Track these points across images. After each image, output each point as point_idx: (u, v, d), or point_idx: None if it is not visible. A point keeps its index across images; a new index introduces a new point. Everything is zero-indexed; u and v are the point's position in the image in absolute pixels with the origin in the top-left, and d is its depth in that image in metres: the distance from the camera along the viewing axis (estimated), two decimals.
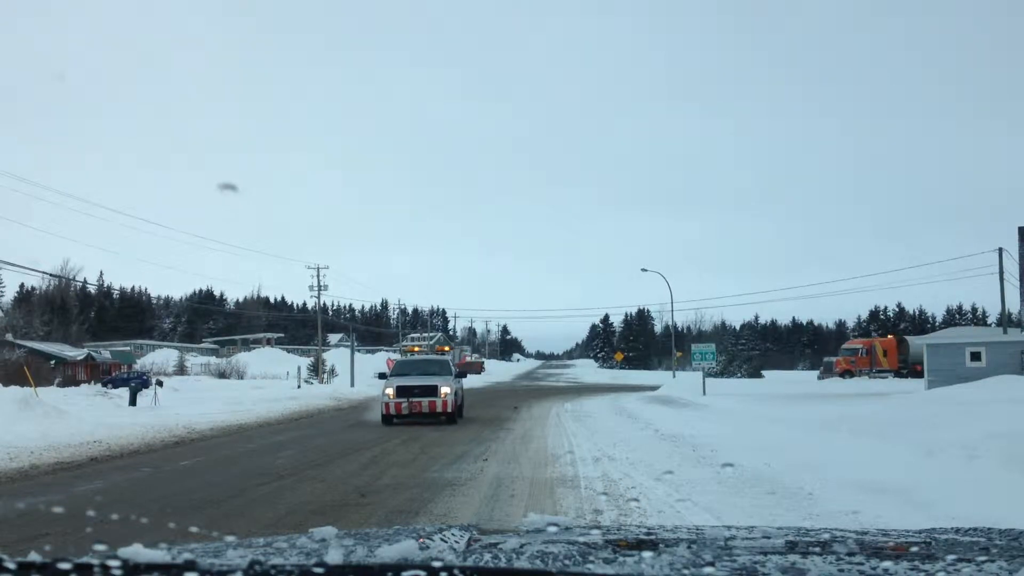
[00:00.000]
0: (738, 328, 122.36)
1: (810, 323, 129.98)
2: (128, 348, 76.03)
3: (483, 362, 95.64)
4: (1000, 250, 42.94)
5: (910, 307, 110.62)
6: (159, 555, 1.22)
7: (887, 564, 1.42)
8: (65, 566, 1.13)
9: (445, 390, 20.58)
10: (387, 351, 67.78)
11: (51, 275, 72.43)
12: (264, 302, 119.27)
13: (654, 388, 41.57)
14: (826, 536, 1.90)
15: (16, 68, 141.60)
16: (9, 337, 53.79)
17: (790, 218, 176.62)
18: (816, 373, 63.57)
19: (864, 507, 7.78)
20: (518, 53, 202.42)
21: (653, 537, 1.90)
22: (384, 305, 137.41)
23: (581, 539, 1.76)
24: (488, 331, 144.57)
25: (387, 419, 20.46)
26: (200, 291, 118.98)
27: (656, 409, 25.81)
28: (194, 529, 1.98)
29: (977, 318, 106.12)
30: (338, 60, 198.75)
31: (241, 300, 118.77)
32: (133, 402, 26.74)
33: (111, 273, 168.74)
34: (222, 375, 58.19)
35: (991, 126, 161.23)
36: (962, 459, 10.05)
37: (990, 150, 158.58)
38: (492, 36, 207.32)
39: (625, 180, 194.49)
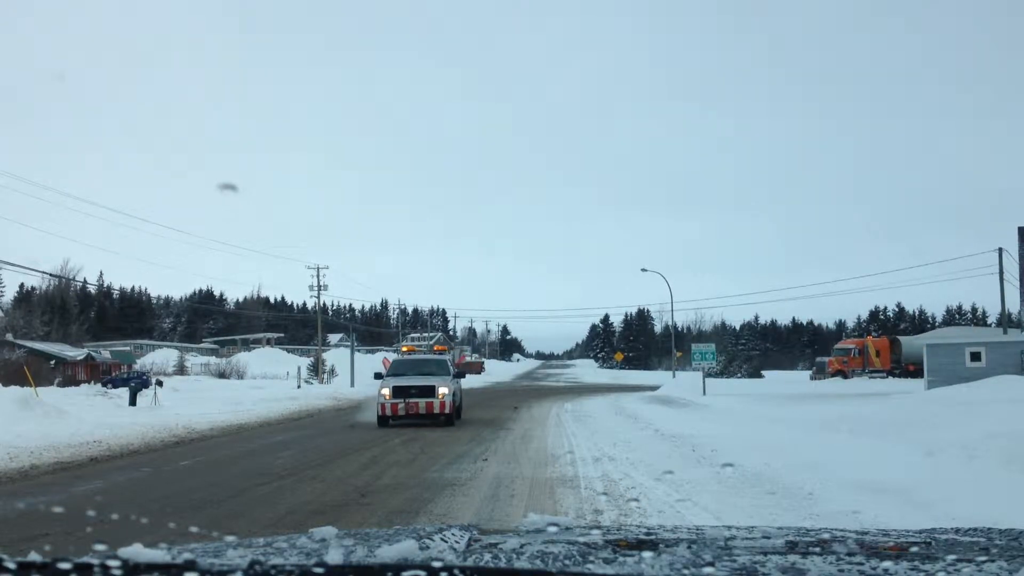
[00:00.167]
0: (738, 328, 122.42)
1: (810, 323, 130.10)
2: (128, 348, 76.06)
3: (483, 362, 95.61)
4: (1000, 250, 42.98)
5: (910, 307, 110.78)
6: (159, 555, 1.22)
7: (887, 564, 1.42)
8: (65, 566, 1.12)
9: (443, 391, 20.06)
10: (387, 351, 67.81)
11: (51, 275, 72.46)
12: (264, 302, 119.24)
13: (654, 388, 41.59)
14: (826, 536, 1.90)
15: (16, 68, 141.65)
16: (9, 337, 53.80)
17: (790, 218, 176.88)
18: (808, 374, 63.51)
19: (864, 507, 7.78)
20: (518, 53, 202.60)
21: (653, 537, 1.90)
22: (384, 305, 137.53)
23: (581, 539, 1.76)
24: (488, 331, 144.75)
25: (383, 420, 19.93)
26: (200, 291, 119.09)
27: (656, 409, 25.81)
28: (194, 529, 1.98)
29: (977, 318, 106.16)
30: (338, 60, 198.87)
31: (241, 300, 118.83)
32: (133, 402, 26.73)
33: (111, 273, 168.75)
34: (222, 375, 58.21)
35: (991, 126, 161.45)
36: (962, 459, 10.05)
37: (990, 150, 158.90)
38: (492, 36, 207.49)
39: (625, 180, 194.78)
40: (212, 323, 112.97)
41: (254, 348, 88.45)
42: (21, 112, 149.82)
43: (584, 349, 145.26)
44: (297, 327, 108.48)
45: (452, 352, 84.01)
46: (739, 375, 65.96)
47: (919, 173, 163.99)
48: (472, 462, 12.86)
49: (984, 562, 1.43)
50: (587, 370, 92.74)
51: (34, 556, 1.19)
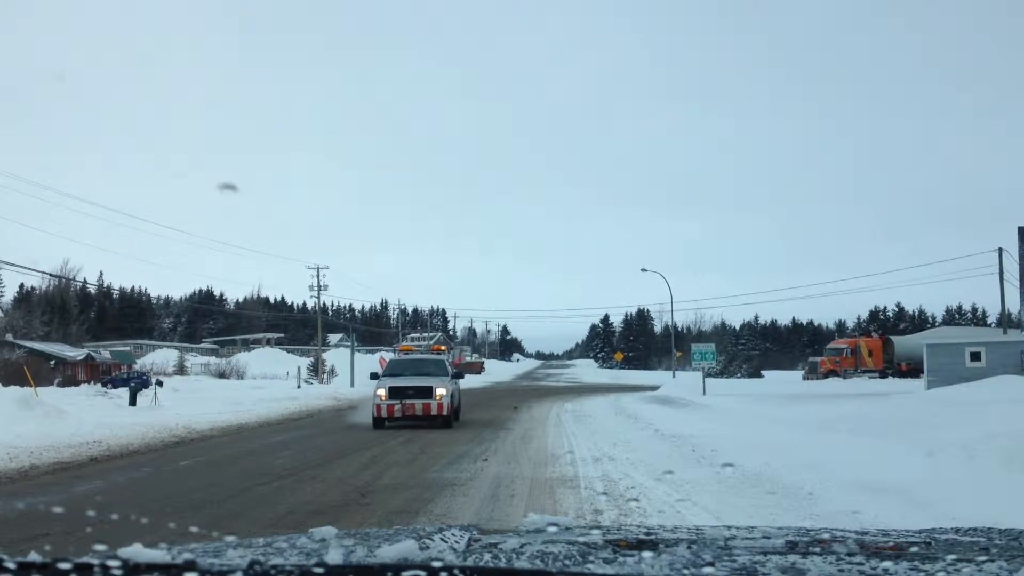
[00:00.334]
0: (738, 328, 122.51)
1: (810, 323, 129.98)
2: (128, 348, 76.05)
3: (483, 362, 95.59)
4: (1000, 250, 42.99)
5: (910, 307, 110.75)
6: (159, 555, 1.22)
7: (887, 564, 1.42)
8: (65, 566, 1.13)
9: (440, 391, 19.52)
10: (387, 351, 67.79)
11: (51, 275, 72.52)
12: (264, 302, 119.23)
13: (654, 388, 41.59)
14: (826, 536, 1.90)
15: (16, 68, 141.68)
16: (9, 337, 53.82)
17: (790, 218, 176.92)
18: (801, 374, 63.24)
19: (864, 507, 7.78)
20: (518, 53, 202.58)
21: (653, 537, 1.90)
22: (384, 305, 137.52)
23: (581, 539, 1.76)
24: (488, 331, 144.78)
25: (378, 422, 19.41)
26: (200, 291, 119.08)
27: (656, 409, 25.82)
28: (194, 529, 1.98)
29: (977, 318, 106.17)
30: (338, 60, 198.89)
31: (241, 300, 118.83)
32: (133, 402, 26.73)
33: (111, 273, 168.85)
34: (222, 375, 58.21)
35: (991, 126, 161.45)
36: (962, 459, 10.05)
37: (990, 150, 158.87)
38: (492, 36, 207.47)
39: (625, 180, 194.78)
40: (212, 323, 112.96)
41: (254, 348, 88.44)
42: (21, 112, 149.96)
43: (584, 349, 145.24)
44: (297, 327, 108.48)
45: (452, 352, 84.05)
46: (739, 375, 65.92)
47: (919, 173, 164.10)
48: (472, 462, 12.85)
49: (984, 562, 1.43)
50: (587, 370, 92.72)
51: (34, 556, 1.19)
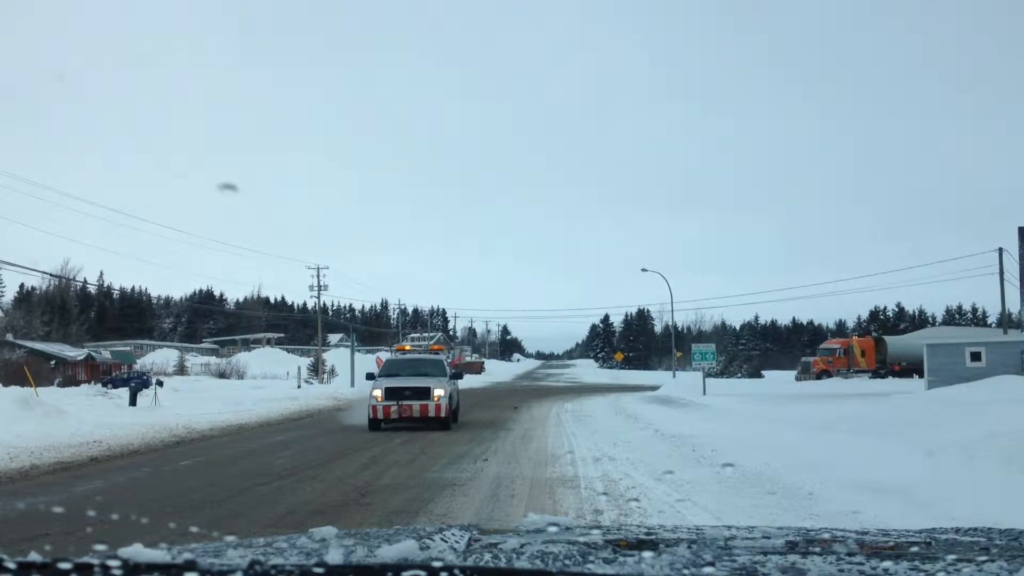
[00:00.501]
0: (738, 328, 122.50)
1: (810, 323, 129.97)
2: (128, 348, 76.05)
3: (483, 362, 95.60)
4: (1000, 250, 42.99)
5: (910, 307, 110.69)
6: (159, 555, 1.22)
7: (887, 564, 1.42)
8: (65, 566, 1.13)
9: (438, 392, 19.02)
10: (387, 351, 67.91)
11: (51, 275, 72.49)
12: (264, 302, 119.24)
13: (654, 388, 41.59)
14: (826, 536, 1.90)
15: (16, 68, 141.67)
16: (9, 337, 53.84)
17: (790, 218, 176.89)
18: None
19: (864, 507, 7.78)
20: (518, 53, 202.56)
21: (653, 537, 1.90)
22: (384, 305, 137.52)
23: (581, 539, 1.76)
24: (488, 331, 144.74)
25: (374, 424, 18.89)
26: (200, 291, 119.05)
27: (656, 409, 25.82)
28: (194, 529, 1.98)
29: (977, 318, 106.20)
30: (338, 60, 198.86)
31: (241, 300, 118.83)
32: (133, 402, 26.74)
33: (111, 273, 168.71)
34: (222, 375, 58.23)
35: (991, 126, 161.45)
36: (962, 459, 10.05)
37: (990, 150, 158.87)
38: (492, 36, 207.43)
39: (625, 180, 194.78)
40: (212, 323, 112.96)
41: (254, 348, 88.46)
42: (21, 112, 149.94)
43: (584, 349, 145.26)
44: (297, 327, 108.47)
45: (452, 352, 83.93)
46: (739, 375, 65.98)
47: (919, 173, 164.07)
48: (472, 462, 12.86)
49: (984, 562, 1.43)
50: (587, 370, 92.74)
51: (34, 556, 1.19)
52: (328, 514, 8.36)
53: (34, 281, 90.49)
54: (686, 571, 1.39)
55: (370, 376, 21.10)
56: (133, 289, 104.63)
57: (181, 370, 62.51)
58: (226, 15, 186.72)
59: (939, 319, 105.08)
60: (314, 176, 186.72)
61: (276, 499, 9.61)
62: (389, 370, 20.92)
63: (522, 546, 1.66)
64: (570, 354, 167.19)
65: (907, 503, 8.05)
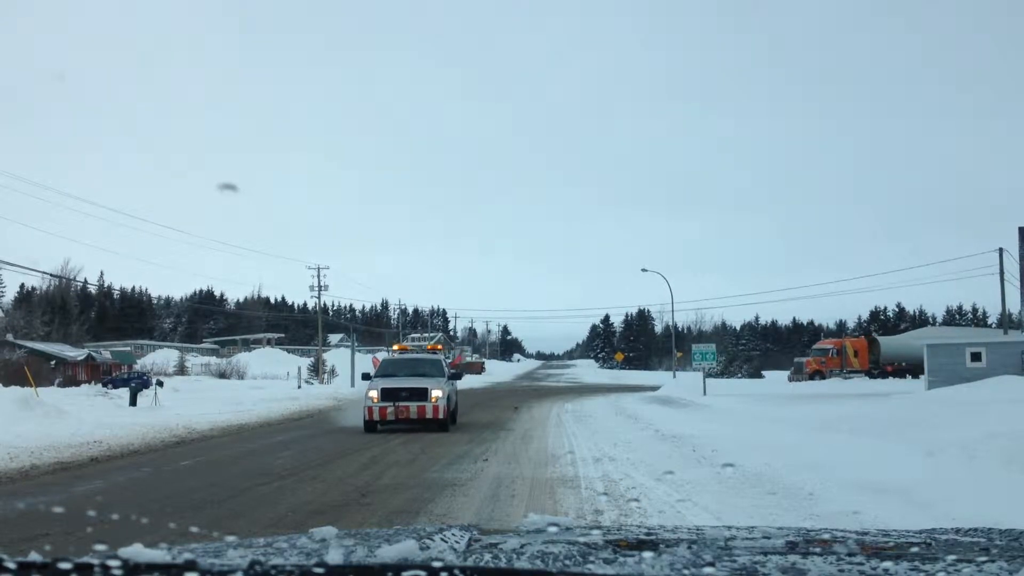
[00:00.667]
0: (738, 328, 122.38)
1: (810, 323, 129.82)
2: (128, 348, 76.04)
3: (483, 362, 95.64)
4: (1000, 250, 42.99)
5: (911, 307, 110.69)
6: (159, 555, 1.22)
7: (887, 564, 1.42)
8: (65, 566, 1.13)
9: (436, 393, 18.45)
10: (386, 351, 67.92)
11: (51, 275, 72.51)
12: (264, 302, 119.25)
13: (654, 388, 41.59)
14: (826, 536, 1.90)
15: (16, 68, 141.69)
16: (9, 337, 53.85)
17: (790, 218, 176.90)
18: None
19: (864, 507, 7.78)
20: (518, 53, 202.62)
21: (653, 537, 1.90)
22: (384, 305, 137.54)
23: (581, 539, 1.76)
24: (488, 331, 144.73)
25: (370, 425, 18.34)
26: (200, 291, 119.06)
27: (656, 409, 25.82)
28: (194, 529, 1.98)
29: (978, 318, 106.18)
30: (338, 60, 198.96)
31: (241, 300, 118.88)
32: (133, 402, 26.75)
33: (111, 273, 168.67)
34: (222, 375, 58.25)
35: (991, 126, 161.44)
36: (962, 459, 10.05)
37: (990, 150, 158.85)
38: (492, 36, 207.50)
39: (625, 180, 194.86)
40: (212, 323, 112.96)
41: (254, 348, 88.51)
42: (21, 112, 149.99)
43: (584, 349, 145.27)
44: (297, 327, 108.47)
45: (452, 351, 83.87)
46: (739, 375, 65.96)
47: (919, 173, 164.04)
48: (472, 462, 12.85)
49: (984, 562, 1.43)
50: (587, 370, 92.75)
51: (34, 556, 1.19)
52: (328, 514, 8.36)
53: (34, 281, 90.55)
54: (686, 571, 1.39)
55: (366, 376, 20.60)
56: (133, 289, 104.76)
57: (181, 370, 62.54)
58: (226, 15, 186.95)
59: (939, 319, 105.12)
60: (314, 176, 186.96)
61: (276, 499, 9.61)
62: (386, 370, 20.38)
63: (522, 546, 1.66)
64: (570, 354, 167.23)
65: (907, 503, 8.05)
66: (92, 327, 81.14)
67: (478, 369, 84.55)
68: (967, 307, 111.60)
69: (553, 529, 1.88)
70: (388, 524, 7.50)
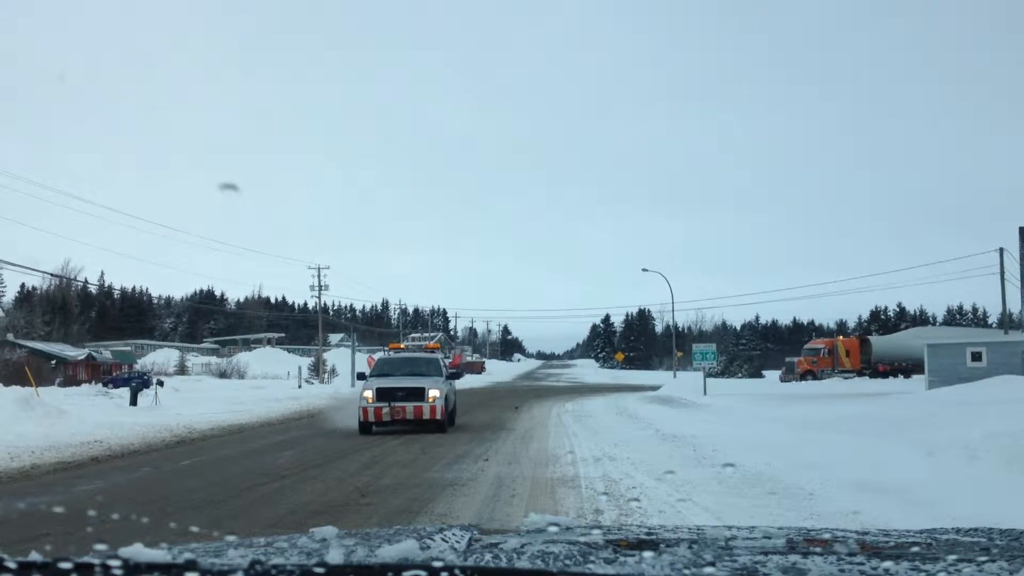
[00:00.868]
0: (739, 328, 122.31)
1: (811, 323, 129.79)
2: (129, 348, 76.08)
3: (484, 362, 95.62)
4: (1001, 250, 43.00)
5: (911, 307, 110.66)
6: (160, 555, 1.22)
7: (888, 564, 1.42)
8: (66, 566, 1.13)
9: (433, 393, 17.87)
10: (383, 351, 67.88)
11: (52, 275, 72.58)
12: (265, 302, 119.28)
13: (655, 388, 41.57)
14: (827, 536, 1.90)
15: (16, 68, 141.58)
16: (10, 337, 53.88)
17: (790, 218, 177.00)
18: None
19: (865, 507, 7.77)
20: (518, 53, 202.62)
21: (654, 537, 1.90)
22: (385, 305, 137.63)
23: (582, 539, 1.76)
24: (489, 331, 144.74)
25: (364, 427, 17.76)
26: (201, 291, 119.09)
27: (657, 409, 25.81)
28: (195, 529, 1.99)
29: (978, 318, 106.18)
30: (338, 60, 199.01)
31: (242, 300, 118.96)
32: (134, 402, 26.76)
33: (112, 273, 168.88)
34: (223, 375, 58.27)
35: (991, 126, 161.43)
36: (963, 459, 10.04)
37: (990, 150, 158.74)
38: (492, 36, 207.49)
39: (625, 180, 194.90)
40: (213, 323, 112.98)
41: (255, 348, 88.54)
42: (21, 112, 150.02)
43: (585, 349, 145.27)
44: (298, 327, 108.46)
45: (451, 351, 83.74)
46: (740, 375, 65.88)
47: (919, 173, 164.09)
48: (473, 462, 12.85)
49: (985, 562, 1.43)
50: (588, 370, 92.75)
51: (35, 556, 1.19)
52: (329, 514, 8.36)
53: (35, 281, 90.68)
54: (687, 571, 1.39)
55: (361, 376, 20.06)
56: (134, 289, 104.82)
57: (182, 370, 62.59)
58: (226, 15, 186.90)
59: (940, 319, 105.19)
60: (314, 176, 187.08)
61: (277, 499, 9.61)
62: (381, 369, 19.84)
63: (523, 546, 1.66)
64: (571, 354, 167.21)
65: (908, 503, 8.05)
66: (93, 327, 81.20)
67: (478, 369, 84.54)
68: (968, 307, 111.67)
69: (553, 529, 1.88)
70: (388, 524, 7.50)
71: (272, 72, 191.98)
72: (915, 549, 1.71)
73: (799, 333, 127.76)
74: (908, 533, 2.03)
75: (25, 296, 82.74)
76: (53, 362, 49.74)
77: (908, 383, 38.90)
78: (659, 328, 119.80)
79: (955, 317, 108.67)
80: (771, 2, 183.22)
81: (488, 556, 1.58)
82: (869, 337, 55.97)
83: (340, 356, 64.60)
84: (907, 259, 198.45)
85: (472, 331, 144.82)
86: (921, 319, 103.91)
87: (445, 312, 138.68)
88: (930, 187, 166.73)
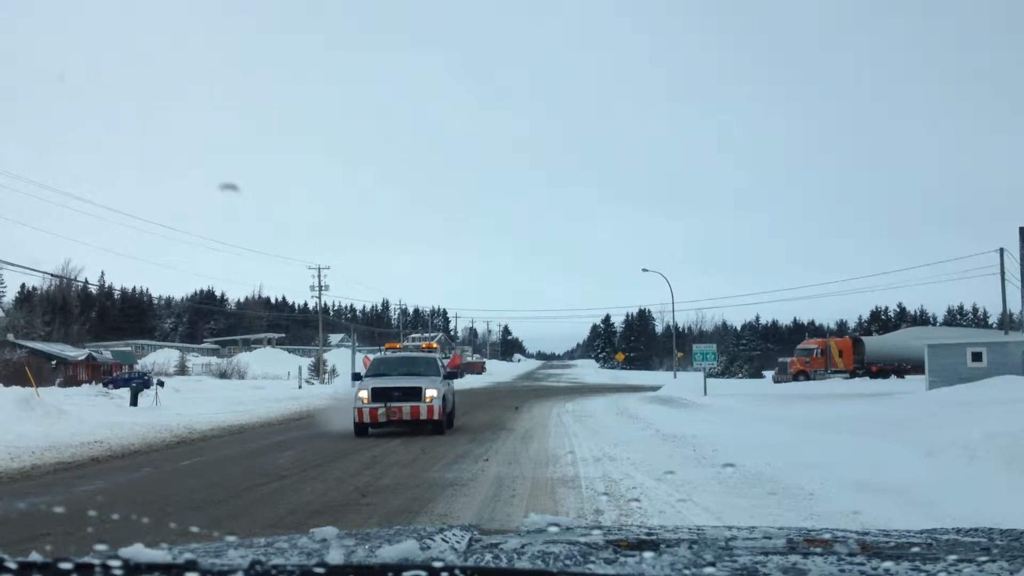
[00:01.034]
0: (739, 328, 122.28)
1: (811, 323, 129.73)
2: (129, 348, 76.10)
3: (484, 362, 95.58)
4: (1001, 250, 42.98)
5: (911, 307, 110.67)
6: (160, 555, 1.22)
7: (888, 564, 1.42)
8: (66, 566, 1.13)
9: (431, 393, 17.42)
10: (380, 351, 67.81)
11: (52, 275, 72.62)
12: (265, 302, 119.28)
13: (655, 388, 41.56)
14: (827, 536, 1.90)
15: (16, 68, 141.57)
16: (10, 337, 53.86)
17: (790, 218, 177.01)
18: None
19: (865, 507, 7.77)
20: (518, 53, 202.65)
21: (654, 537, 1.90)
22: (385, 305, 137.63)
23: (582, 539, 1.76)
24: (489, 331, 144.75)
25: (360, 428, 17.26)
26: (201, 291, 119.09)
27: (657, 409, 25.81)
28: (195, 529, 1.99)
29: (979, 318, 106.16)
30: (338, 60, 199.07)
31: (242, 300, 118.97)
32: (134, 402, 26.76)
33: (112, 273, 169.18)
34: (223, 375, 58.27)
35: (991, 126, 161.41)
36: (963, 459, 10.04)
37: (990, 150, 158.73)
38: (493, 36, 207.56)
39: (625, 180, 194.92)
40: (213, 323, 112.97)
41: (255, 348, 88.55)
42: (21, 112, 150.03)
43: (585, 349, 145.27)
44: (298, 327, 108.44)
45: (453, 351, 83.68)
46: (740, 376, 65.89)
47: (919, 173, 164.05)
48: (473, 462, 12.85)
49: (985, 562, 1.43)
50: (588, 370, 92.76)
51: (35, 556, 1.19)
52: (329, 514, 8.36)
53: (35, 281, 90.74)
54: (687, 571, 1.39)
55: (356, 376, 19.63)
56: (134, 289, 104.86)
57: (182, 370, 62.59)
58: (226, 15, 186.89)
59: (940, 319, 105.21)
60: (314, 176, 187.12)
61: (277, 499, 9.61)
62: (377, 369, 19.38)
63: (523, 546, 1.66)
64: (571, 354, 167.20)
65: (908, 503, 8.05)
66: (93, 327, 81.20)
67: (479, 369, 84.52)
68: (968, 307, 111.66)
69: (554, 529, 1.88)
70: (389, 524, 7.50)
71: (272, 72, 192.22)
72: (915, 549, 1.71)
73: (799, 333, 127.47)
74: (908, 533, 2.03)
75: (25, 296, 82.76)
76: (53, 362, 49.74)
77: (903, 383, 38.91)
78: (659, 328, 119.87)
79: (955, 317, 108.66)
80: (771, 2, 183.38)
81: (488, 556, 1.58)
82: (862, 337, 55.92)
83: (340, 356, 64.60)
84: (907, 259, 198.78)
85: (472, 331, 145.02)
86: (922, 319, 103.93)
87: (445, 312, 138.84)
88: (930, 187, 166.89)
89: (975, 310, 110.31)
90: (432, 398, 17.47)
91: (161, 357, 69.12)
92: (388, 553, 1.43)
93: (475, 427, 19.97)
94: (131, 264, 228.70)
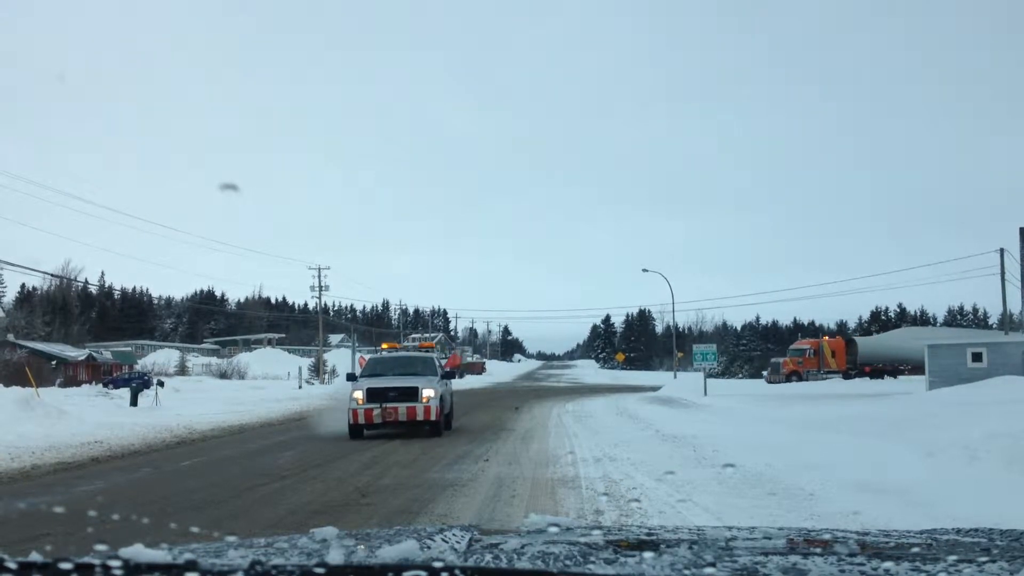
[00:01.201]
0: (739, 329, 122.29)
1: (811, 324, 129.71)
2: (129, 348, 76.12)
3: (484, 363, 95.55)
4: (1001, 250, 43.00)
5: (911, 307, 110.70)
6: (160, 555, 1.22)
7: (888, 565, 1.42)
8: (66, 566, 1.13)
9: (427, 393, 17.02)
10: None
11: (52, 275, 72.63)
12: (265, 302, 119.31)
13: (655, 389, 41.56)
14: (827, 537, 1.90)
15: (16, 68, 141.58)
16: (10, 338, 53.86)
17: (790, 218, 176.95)
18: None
19: (865, 507, 7.77)
20: (518, 53, 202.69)
21: (654, 538, 1.90)
22: (385, 306, 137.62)
23: (582, 540, 1.76)
24: (489, 331, 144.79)
25: (355, 430, 16.86)
26: (201, 291, 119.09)
27: (657, 410, 25.81)
28: (195, 529, 1.98)
29: (979, 319, 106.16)
30: (338, 60, 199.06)
31: (242, 300, 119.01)
32: (134, 402, 26.76)
33: (112, 273, 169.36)
34: (223, 375, 58.29)
35: (991, 126, 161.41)
36: (963, 459, 10.04)
37: (990, 150, 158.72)
38: (493, 36, 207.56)
39: (625, 180, 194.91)
40: (213, 323, 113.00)
41: (255, 348, 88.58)
42: (21, 112, 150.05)
43: (585, 350, 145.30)
44: (298, 327, 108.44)
45: (452, 351, 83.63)
46: (740, 376, 65.93)
47: (919, 173, 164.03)
48: (473, 463, 12.85)
49: (986, 563, 1.43)
50: (588, 371, 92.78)
51: (35, 556, 1.19)
52: (329, 514, 8.36)
53: (35, 281, 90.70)
54: (687, 572, 1.39)
55: (351, 377, 19.27)
56: (134, 289, 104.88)
57: (182, 370, 62.61)
58: (226, 15, 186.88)
59: (940, 319, 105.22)
60: (314, 176, 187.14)
61: (277, 499, 9.61)
62: (373, 369, 18.95)
63: (523, 546, 1.66)
64: (571, 355, 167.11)
65: (908, 504, 8.04)
66: (93, 327, 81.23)
67: (479, 369, 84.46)
68: (968, 307, 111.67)
69: (554, 529, 1.88)
70: (389, 524, 7.50)
71: (272, 72, 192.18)
72: (915, 550, 1.71)
73: (800, 334, 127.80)
74: (908, 533, 2.03)
75: (25, 296, 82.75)
76: (53, 363, 49.74)
77: (898, 384, 38.91)
78: (659, 328, 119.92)
79: (956, 318, 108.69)
80: (771, 2, 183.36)
81: (488, 556, 1.58)
82: (855, 338, 55.93)
83: (340, 356, 64.65)
84: (907, 259, 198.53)
85: (472, 332, 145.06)
86: (922, 319, 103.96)
87: (445, 312, 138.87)
88: (930, 187, 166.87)
89: (975, 310, 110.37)
90: (429, 398, 17.11)
91: (161, 357, 69.14)
92: (388, 553, 1.43)
93: (475, 427, 19.96)
94: (131, 264, 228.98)
